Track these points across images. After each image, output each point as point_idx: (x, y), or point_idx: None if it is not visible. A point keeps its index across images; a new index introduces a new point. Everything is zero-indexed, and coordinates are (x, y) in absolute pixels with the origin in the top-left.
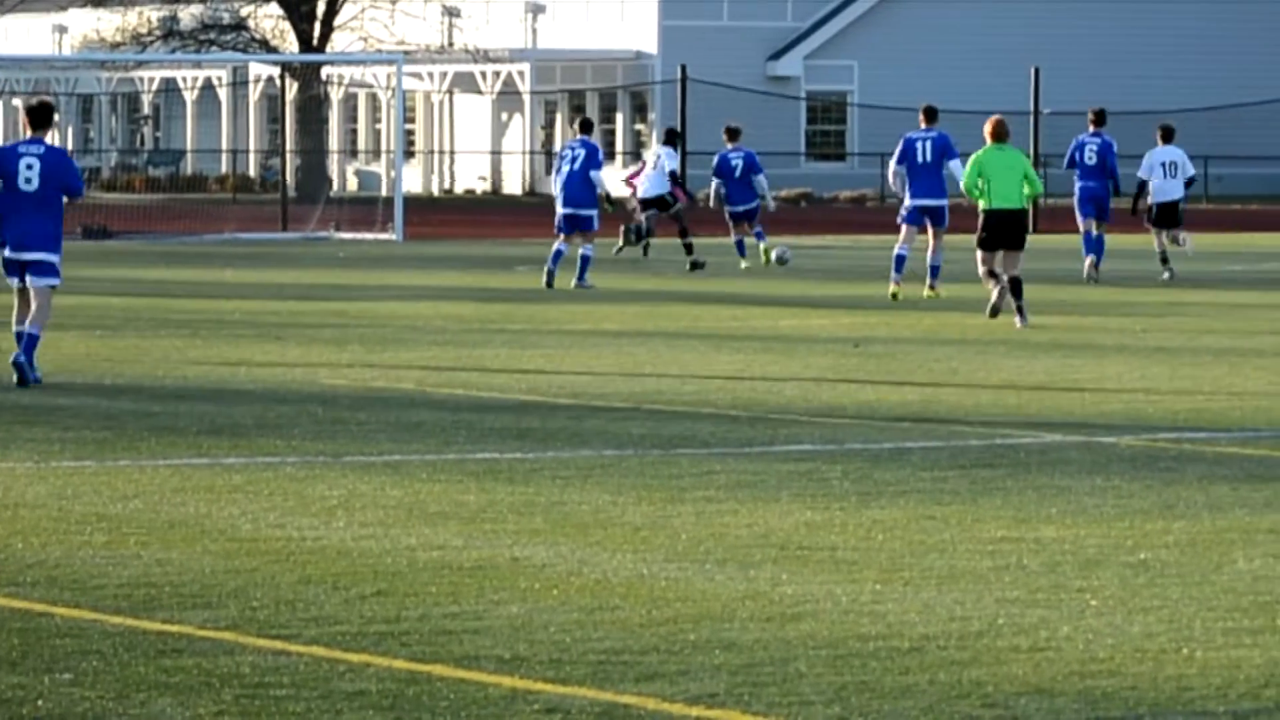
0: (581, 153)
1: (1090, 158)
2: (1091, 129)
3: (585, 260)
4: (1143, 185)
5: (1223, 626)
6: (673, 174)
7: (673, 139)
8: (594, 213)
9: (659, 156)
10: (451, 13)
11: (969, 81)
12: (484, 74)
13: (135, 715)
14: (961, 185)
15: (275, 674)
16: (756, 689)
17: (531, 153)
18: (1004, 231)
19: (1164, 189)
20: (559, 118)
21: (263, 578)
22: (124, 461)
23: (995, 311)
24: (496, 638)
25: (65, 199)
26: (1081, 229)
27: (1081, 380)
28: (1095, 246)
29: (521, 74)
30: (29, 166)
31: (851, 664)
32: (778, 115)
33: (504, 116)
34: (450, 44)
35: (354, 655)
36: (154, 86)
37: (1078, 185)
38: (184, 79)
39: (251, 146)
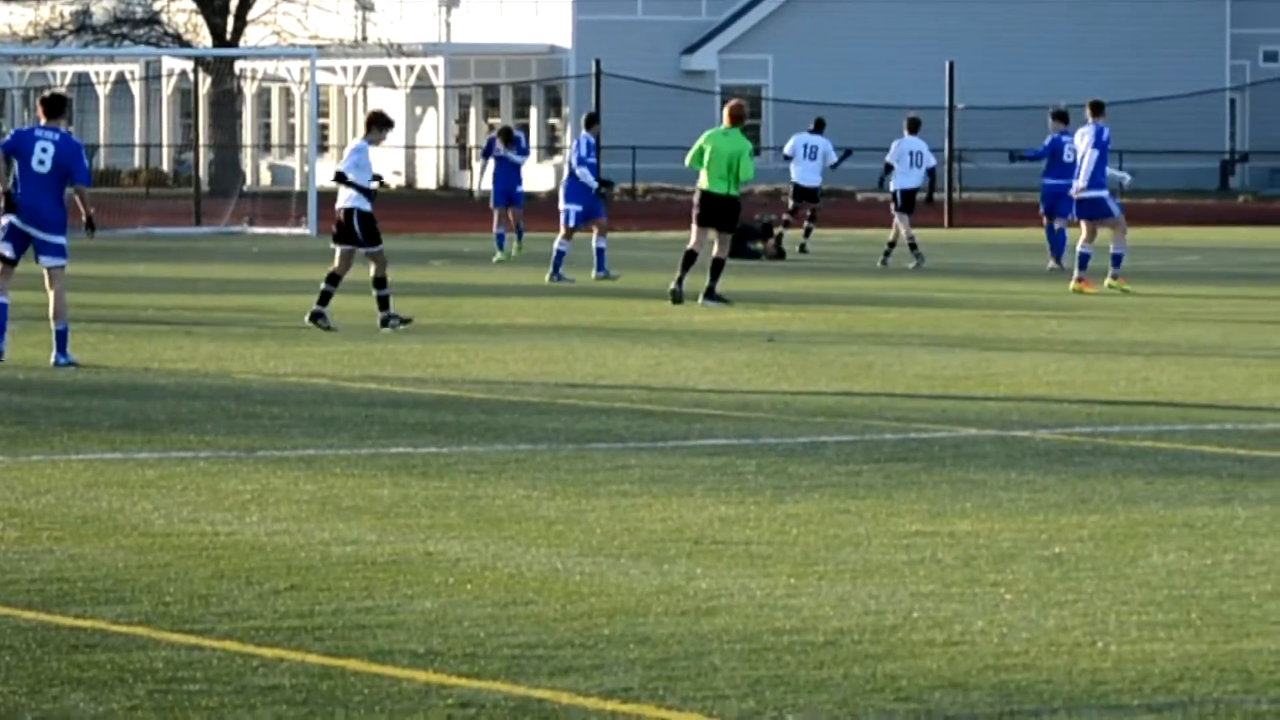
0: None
1: (1069, 155)
2: (1058, 127)
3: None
4: (888, 169)
5: (1137, 620)
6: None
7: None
8: (577, 206)
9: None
10: (365, 6)
11: (883, 76)
12: (398, 68)
13: (48, 710)
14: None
15: (188, 669)
16: (671, 683)
17: (446, 147)
18: (714, 212)
19: (908, 177)
20: (473, 112)
21: (176, 573)
22: (36, 457)
23: (678, 297)
24: (410, 632)
25: (67, 186)
26: (1047, 222)
27: (996, 374)
28: (1061, 238)
29: (435, 68)
30: (44, 150)
31: (766, 658)
32: (692, 109)
33: (418, 111)
34: (364, 38)
35: (267, 650)
36: (67, 81)
37: (1050, 183)
38: (97, 73)
39: (165, 141)
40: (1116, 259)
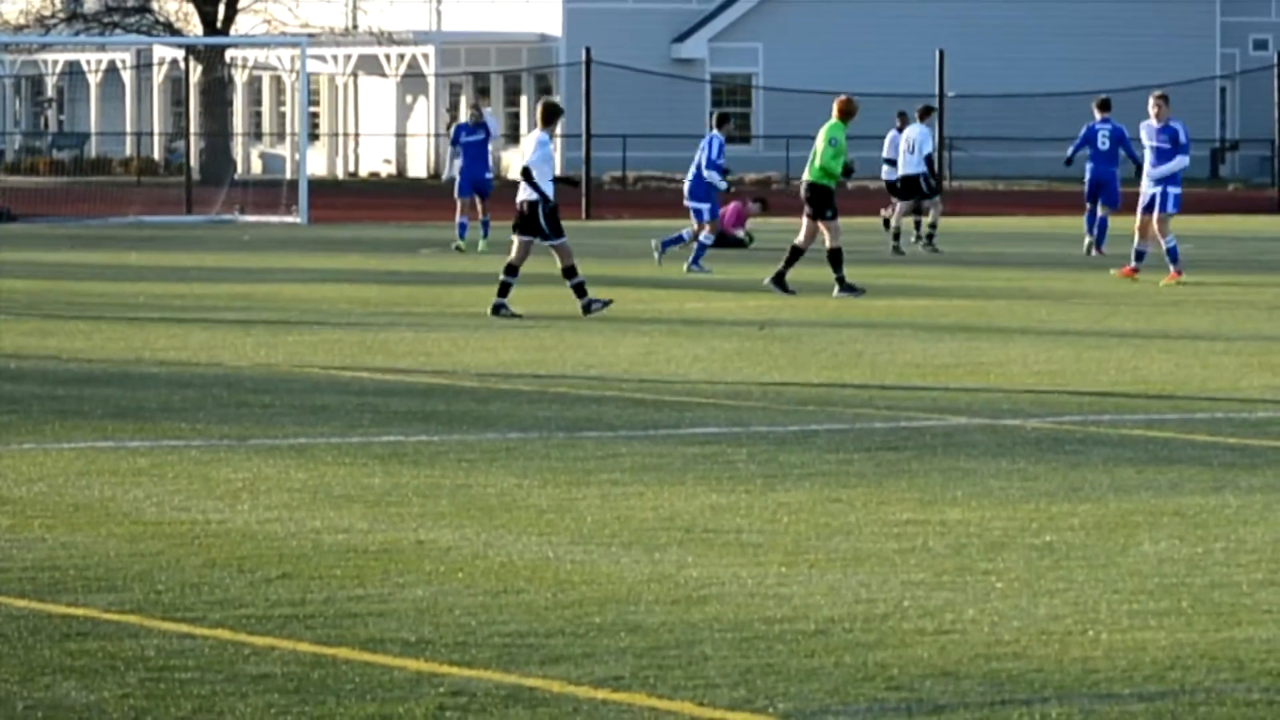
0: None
1: (1103, 143)
2: (1100, 116)
3: (701, 247)
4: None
5: (1128, 609)
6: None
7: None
8: (703, 205)
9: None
10: None
11: (874, 64)
12: (388, 57)
13: (40, 698)
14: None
15: (180, 657)
16: (662, 672)
17: (436, 135)
18: (807, 201)
19: (906, 164)
20: (463, 100)
21: (167, 561)
22: (28, 445)
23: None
24: (402, 621)
25: None
26: (1087, 209)
27: (987, 363)
28: (1100, 226)
29: (426, 57)
30: None
31: (757, 646)
32: (682, 98)
33: (408, 99)
34: (355, 26)
35: (259, 638)
36: (58, 69)
37: (1089, 169)
38: (88, 62)
39: (156, 129)
40: (1172, 252)
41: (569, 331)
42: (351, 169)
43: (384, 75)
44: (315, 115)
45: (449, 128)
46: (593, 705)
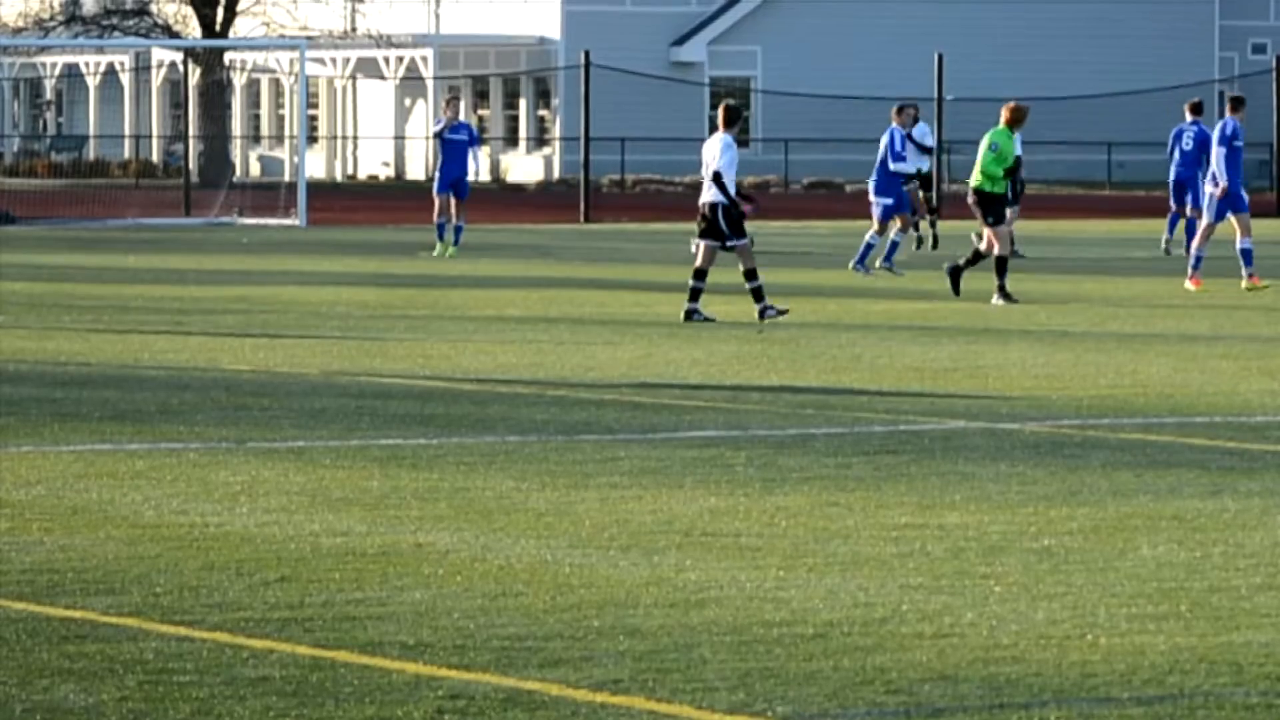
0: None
1: (1188, 144)
2: (1190, 118)
3: (894, 246)
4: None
5: (1126, 613)
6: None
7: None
8: (888, 201)
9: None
10: None
11: (872, 67)
12: (387, 59)
13: (38, 701)
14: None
15: (179, 660)
16: (660, 675)
17: (434, 138)
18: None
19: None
20: (462, 103)
21: (166, 564)
22: (27, 447)
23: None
24: (400, 624)
25: None
26: (1174, 209)
27: (985, 366)
28: (1187, 228)
29: (425, 59)
30: None
31: (755, 650)
32: (681, 101)
33: (407, 102)
34: (353, 29)
35: (257, 641)
36: (56, 72)
37: (1174, 170)
38: (87, 64)
39: (154, 132)
40: (1246, 255)
41: (567, 334)
42: (350, 171)
43: (382, 78)
44: (314, 118)
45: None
46: (591, 708)
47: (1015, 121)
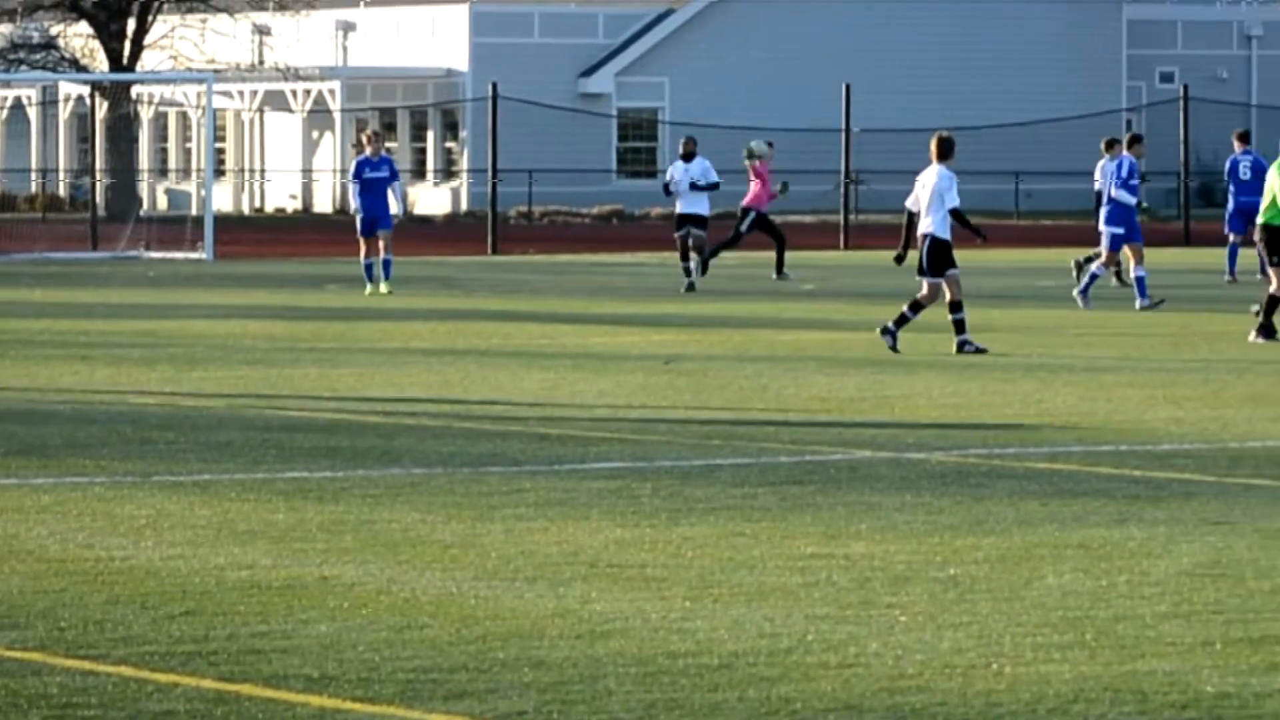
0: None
1: (1245, 173)
2: (1240, 148)
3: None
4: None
5: (1031, 642)
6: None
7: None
8: (1120, 230)
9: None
10: (262, 31)
11: (780, 99)
12: (295, 92)
13: None
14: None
15: (83, 694)
16: (566, 706)
17: (343, 171)
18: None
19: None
20: (362, 136)
21: (71, 598)
22: None
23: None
24: (305, 657)
25: None
26: (1231, 240)
27: (892, 397)
28: (1230, 253)
29: (332, 92)
30: None
31: (661, 681)
32: (589, 132)
33: (315, 134)
34: (261, 62)
35: (162, 675)
36: None
37: (1231, 200)
38: None
39: (61, 165)
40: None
41: (474, 366)
42: (257, 205)
43: (290, 111)
44: (221, 151)
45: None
46: None
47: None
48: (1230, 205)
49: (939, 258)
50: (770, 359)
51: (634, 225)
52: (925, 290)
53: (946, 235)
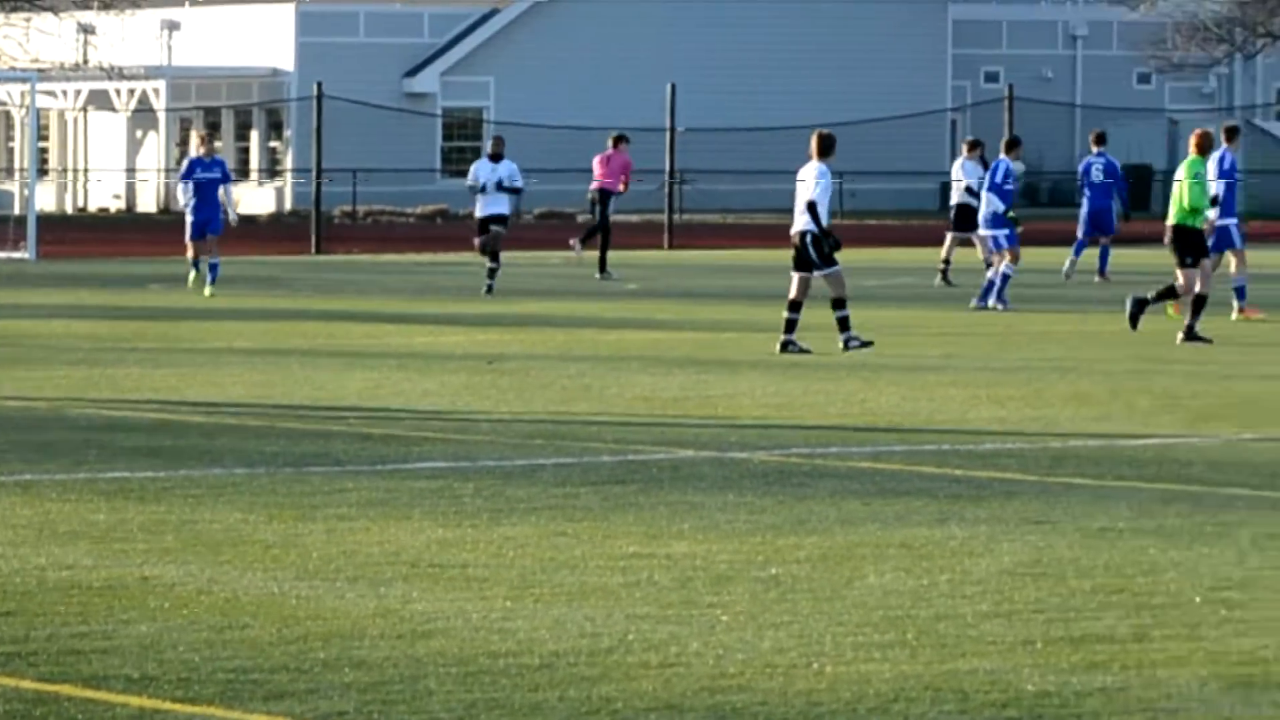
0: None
1: (1096, 175)
2: (1095, 149)
3: (1005, 279)
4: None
5: (853, 641)
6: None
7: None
8: (1002, 232)
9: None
10: (86, 29)
11: (605, 98)
12: (119, 91)
13: None
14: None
15: None
16: (386, 707)
17: (167, 170)
18: (1178, 244)
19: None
20: (193, 135)
21: None
22: None
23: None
24: (125, 657)
25: None
26: (1079, 236)
27: (715, 396)
28: (1101, 255)
29: (157, 91)
30: None
31: (481, 681)
32: (414, 132)
33: (139, 134)
34: (85, 61)
35: None
36: None
37: (1086, 203)
38: None
39: None
40: (1240, 290)
41: (297, 366)
42: (81, 204)
43: (114, 110)
44: (44, 150)
45: (179, 162)
46: None
47: (1201, 149)
48: (1084, 207)
49: (823, 253)
50: (594, 359)
51: (458, 225)
52: (796, 289)
53: (826, 228)
